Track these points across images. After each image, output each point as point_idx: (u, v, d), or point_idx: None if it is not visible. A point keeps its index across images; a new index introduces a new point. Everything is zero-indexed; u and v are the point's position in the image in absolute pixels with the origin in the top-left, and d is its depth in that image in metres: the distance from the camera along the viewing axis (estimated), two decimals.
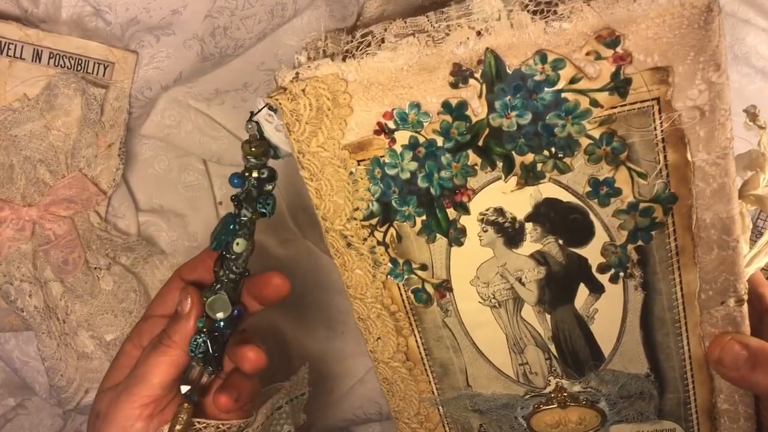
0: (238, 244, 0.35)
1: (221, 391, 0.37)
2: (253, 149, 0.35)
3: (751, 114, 0.38)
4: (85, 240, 0.51)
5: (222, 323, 0.36)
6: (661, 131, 0.31)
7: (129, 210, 0.54)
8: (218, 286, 0.37)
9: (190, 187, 0.57)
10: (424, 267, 0.36)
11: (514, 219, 0.34)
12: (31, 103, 0.47)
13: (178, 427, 0.36)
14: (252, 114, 0.34)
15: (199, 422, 0.37)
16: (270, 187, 0.36)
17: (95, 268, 0.52)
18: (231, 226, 0.36)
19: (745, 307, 0.35)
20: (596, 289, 0.35)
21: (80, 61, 0.47)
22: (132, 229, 0.54)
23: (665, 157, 0.31)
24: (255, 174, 0.35)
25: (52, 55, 0.46)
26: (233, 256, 0.36)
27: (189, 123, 0.54)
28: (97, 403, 0.39)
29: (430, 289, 0.37)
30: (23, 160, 0.47)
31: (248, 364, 0.37)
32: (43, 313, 0.50)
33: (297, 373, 0.46)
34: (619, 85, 0.30)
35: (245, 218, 0.35)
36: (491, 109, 0.31)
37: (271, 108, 0.34)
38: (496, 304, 0.37)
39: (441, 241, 0.35)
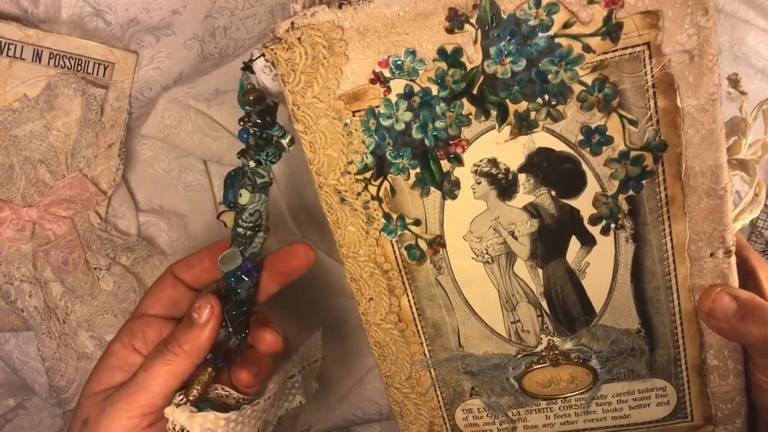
0: (241, 195, 0.35)
1: (242, 367, 0.37)
2: (250, 98, 0.35)
3: (733, 80, 0.40)
4: (85, 240, 0.51)
5: (233, 280, 0.36)
6: (652, 76, 0.31)
7: (129, 210, 0.54)
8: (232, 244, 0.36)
9: (190, 187, 0.57)
10: (417, 222, 0.36)
11: (507, 170, 0.34)
12: (31, 103, 0.47)
13: (197, 387, 0.35)
14: (245, 63, 0.34)
15: (223, 389, 0.37)
16: (276, 136, 0.36)
17: (95, 268, 0.51)
18: (234, 179, 0.35)
19: (734, 258, 0.35)
20: (588, 242, 0.35)
21: (80, 62, 0.47)
22: (132, 230, 0.54)
23: (655, 103, 0.32)
24: (254, 118, 0.35)
25: (52, 56, 0.46)
26: (239, 209, 0.35)
27: (189, 123, 0.54)
28: (82, 407, 0.36)
29: (423, 245, 0.37)
30: (23, 160, 0.47)
31: (264, 346, 0.37)
32: (43, 314, 0.50)
33: (311, 338, 0.45)
34: (611, 30, 0.31)
35: (247, 168, 0.35)
36: (486, 55, 0.32)
37: (269, 61, 0.34)
38: (489, 260, 0.37)
39: (435, 194, 0.36)
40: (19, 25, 0.45)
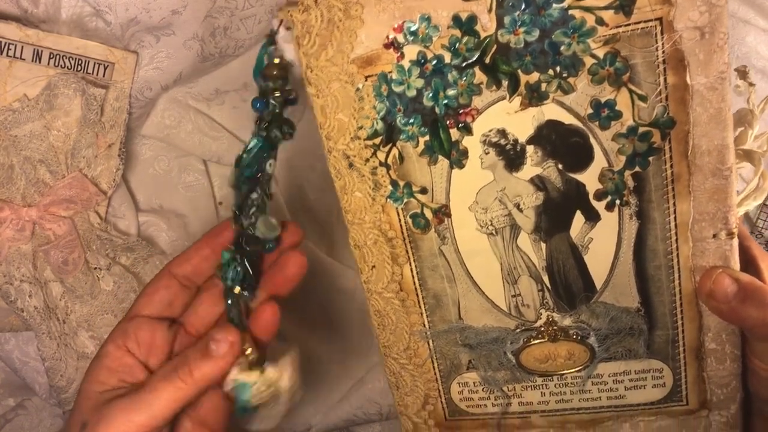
0: (270, 165, 0.35)
1: (264, 305, 0.36)
2: (273, 71, 0.35)
3: (742, 72, 0.40)
4: (85, 240, 0.51)
5: (271, 245, 0.36)
6: (663, 52, 0.32)
7: (129, 210, 0.54)
8: (253, 209, 0.36)
9: (190, 187, 0.57)
10: (424, 190, 0.37)
11: (516, 141, 0.35)
12: (31, 103, 0.47)
13: (249, 347, 0.36)
14: (271, 32, 0.35)
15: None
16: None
17: (95, 268, 0.52)
18: (263, 147, 0.35)
19: (736, 241, 0.35)
20: (592, 217, 0.36)
21: (80, 62, 0.47)
22: (132, 230, 0.54)
23: (665, 79, 0.32)
24: (277, 95, 0.35)
25: (52, 56, 0.47)
26: (267, 177, 0.35)
27: (189, 123, 0.54)
28: (80, 409, 0.35)
29: (428, 214, 0.37)
30: (23, 160, 0.48)
31: (294, 266, 0.37)
32: (43, 314, 0.50)
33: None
34: (624, 4, 0.31)
35: (276, 138, 0.35)
36: (500, 24, 0.32)
37: (288, 28, 0.34)
38: (493, 232, 0.37)
39: (442, 163, 0.36)
40: (19, 25, 0.46)
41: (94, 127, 0.49)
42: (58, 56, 0.47)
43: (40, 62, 0.47)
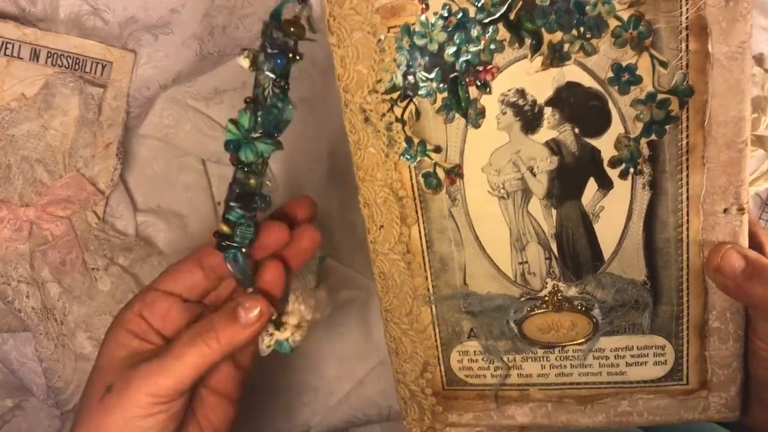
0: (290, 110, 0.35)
1: (269, 263, 0.37)
2: (291, 28, 0.33)
3: (758, 59, 0.40)
4: (82, 240, 0.51)
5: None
6: (687, 18, 0.32)
7: (127, 210, 0.54)
8: (265, 167, 0.35)
9: (188, 187, 0.56)
10: (438, 149, 0.37)
11: (534, 102, 0.35)
12: (29, 102, 0.47)
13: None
14: None
15: None
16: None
17: (93, 268, 0.52)
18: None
19: (746, 217, 0.36)
20: (605, 185, 0.36)
21: (78, 61, 0.47)
22: (130, 230, 0.54)
23: (687, 46, 0.32)
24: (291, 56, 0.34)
25: (49, 55, 0.47)
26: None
27: (187, 123, 0.54)
28: (104, 371, 0.36)
29: (441, 174, 0.37)
30: (21, 159, 0.48)
31: (307, 239, 0.38)
32: (41, 314, 0.50)
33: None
34: None
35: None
36: None
37: None
38: (504, 195, 0.37)
39: (459, 122, 0.36)
40: (16, 23, 0.46)
41: (92, 127, 0.49)
42: (55, 55, 0.47)
43: (37, 61, 0.47)
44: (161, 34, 0.48)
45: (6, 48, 0.45)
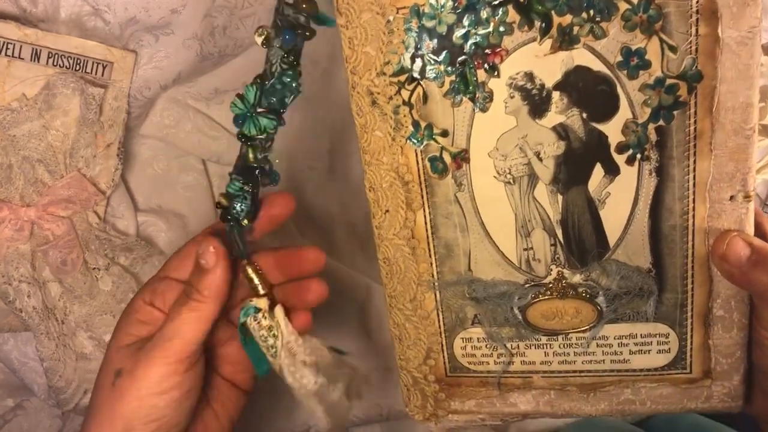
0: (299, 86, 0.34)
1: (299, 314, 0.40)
2: (304, 5, 0.33)
3: (765, 48, 0.40)
4: (83, 240, 0.51)
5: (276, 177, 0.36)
6: (697, 2, 0.32)
7: (128, 210, 0.54)
8: (269, 143, 0.36)
9: (189, 187, 0.56)
10: (445, 133, 0.36)
11: (542, 86, 0.35)
12: (30, 102, 0.47)
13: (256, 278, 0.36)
14: None
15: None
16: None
17: (94, 268, 0.52)
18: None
19: (752, 204, 0.36)
20: (612, 171, 0.36)
21: (79, 61, 0.47)
22: (131, 230, 0.54)
23: (697, 31, 0.32)
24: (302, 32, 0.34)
25: (50, 55, 0.47)
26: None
27: (188, 123, 0.54)
28: (112, 360, 0.37)
29: (447, 158, 0.37)
30: (22, 160, 0.48)
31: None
32: (42, 314, 0.50)
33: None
34: None
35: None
36: None
37: None
38: (511, 180, 0.37)
39: (466, 105, 0.36)
40: (17, 24, 0.46)
41: (93, 127, 0.49)
42: (56, 55, 0.47)
43: (38, 61, 0.47)
44: (162, 35, 0.48)
45: (7, 48, 0.45)
